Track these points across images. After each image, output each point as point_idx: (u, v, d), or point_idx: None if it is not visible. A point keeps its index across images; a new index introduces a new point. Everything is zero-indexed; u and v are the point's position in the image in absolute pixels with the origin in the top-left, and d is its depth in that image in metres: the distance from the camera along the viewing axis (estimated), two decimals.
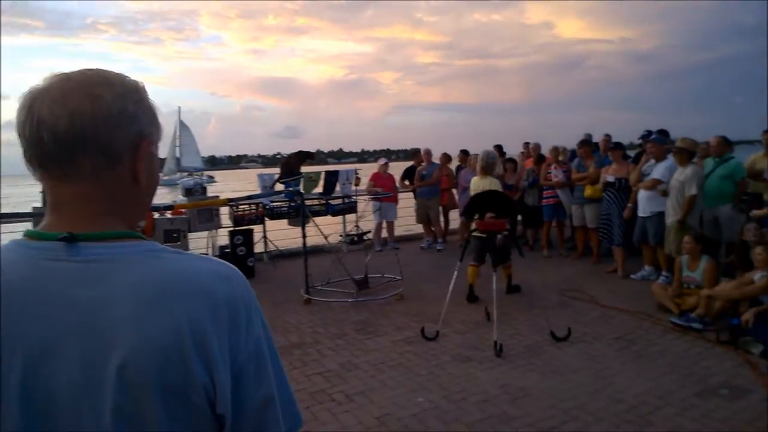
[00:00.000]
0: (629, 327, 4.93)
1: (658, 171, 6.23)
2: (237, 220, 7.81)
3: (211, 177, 54.29)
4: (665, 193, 6.03)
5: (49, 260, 0.73)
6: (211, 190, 8.99)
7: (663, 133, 7.17)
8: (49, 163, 0.75)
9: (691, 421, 3.20)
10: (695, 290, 5.14)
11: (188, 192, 7.74)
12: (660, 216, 6.13)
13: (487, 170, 5.94)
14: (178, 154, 62.18)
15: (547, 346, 4.53)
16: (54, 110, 0.73)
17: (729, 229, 6.11)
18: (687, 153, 5.90)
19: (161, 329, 0.71)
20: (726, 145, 6.39)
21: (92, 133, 0.74)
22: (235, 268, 0.82)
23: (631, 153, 7.97)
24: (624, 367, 4.06)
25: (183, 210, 7.24)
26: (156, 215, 7.00)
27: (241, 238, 7.61)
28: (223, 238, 8.01)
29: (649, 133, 7.30)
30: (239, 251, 7.45)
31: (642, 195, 6.38)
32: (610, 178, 6.90)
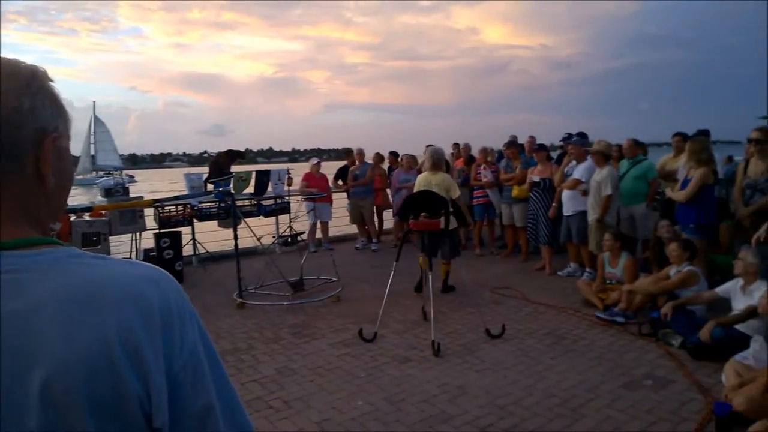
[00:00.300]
0: (558, 322, 5.13)
1: (578, 171, 6.53)
2: (163, 221, 7.46)
3: (131, 176, 51.81)
4: (585, 193, 6.32)
5: None
6: (132, 190, 8.53)
7: (582, 136, 7.52)
8: None
9: (619, 412, 3.36)
10: (617, 285, 5.42)
11: (108, 192, 7.29)
12: (582, 215, 6.42)
13: (437, 166, 5.96)
14: (92, 152, 58.88)
15: (483, 344, 4.63)
16: None
17: (644, 226, 6.51)
18: (602, 155, 6.21)
19: (88, 340, 0.64)
20: (637, 146, 6.76)
21: None
22: (165, 271, 0.77)
23: (554, 154, 8.31)
24: (555, 361, 4.21)
25: (103, 212, 6.83)
26: (72, 218, 6.56)
27: (168, 241, 7.27)
28: (148, 241, 7.63)
29: (570, 135, 7.64)
30: (166, 254, 7.12)
31: (565, 195, 6.66)
32: (536, 179, 7.17)
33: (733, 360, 3.51)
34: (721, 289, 4.37)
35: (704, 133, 6.51)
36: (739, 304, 4.08)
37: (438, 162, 5.98)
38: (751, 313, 3.78)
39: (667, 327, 4.46)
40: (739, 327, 3.90)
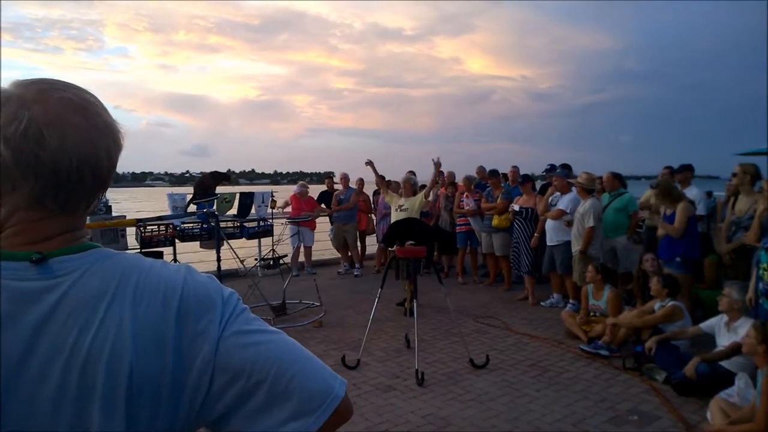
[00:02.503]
0: (542, 353, 5.09)
1: (563, 202, 6.58)
2: (145, 241, 7.32)
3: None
4: (570, 224, 6.36)
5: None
6: (114, 209, 8.37)
7: (566, 167, 7.60)
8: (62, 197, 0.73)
9: None
10: (601, 318, 5.42)
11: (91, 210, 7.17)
12: (567, 245, 6.45)
13: (414, 190, 6.78)
14: None
15: (467, 374, 4.57)
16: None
17: (625, 258, 6.55)
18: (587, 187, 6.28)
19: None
20: (616, 180, 6.84)
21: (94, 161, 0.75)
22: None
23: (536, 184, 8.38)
24: (540, 393, 4.16)
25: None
26: None
27: None
28: None
29: (553, 166, 7.71)
30: None
31: (549, 225, 6.69)
32: (516, 208, 7.21)
33: (719, 397, 3.51)
34: (705, 325, 4.39)
35: (688, 167, 6.62)
36: (723, 341, 4.09)
37: (414, 186, 6.85)
38: (735, 350, 3.79)
39: (651, 361, 4.45)
40: (724, 364, 3.91)
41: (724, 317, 4.17)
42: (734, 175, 5.41)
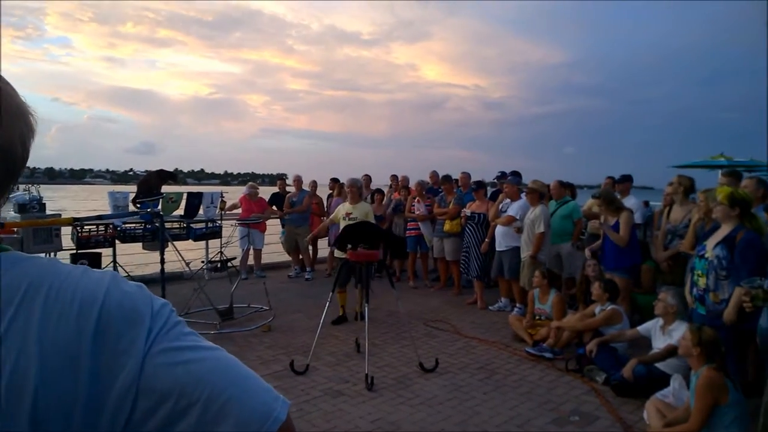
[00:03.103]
0: (490, 357, 5.19)
1: (513, 209, 6.74)
2: (81, 242, 7.01)
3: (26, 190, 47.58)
4: (519, 231, 6.52)
5: None
6: (49, 207, 7.98)
7: (516, 175, 7.80)
8: None
9: None
10: (546, 321, 5.58)
11: (22, 208, 6.78)
12: (515, 251, 6.61)
13: (360, 194, 6.43)
14: None
15: (416, 378, 4.60)
16: None
17: (570, 264, 6.79)
18: (537, 193, 6.46)
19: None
20: (563, 188, 7.09)
21: None
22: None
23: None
24: (487, 396, 4.24)
25: (15, 229, 6.33)
26: None
27: (86, 263, 6.82)
28: (64, 262, 7.13)
29: (504, 173, 7.90)
30: None
31: (499, 230, 6.84)
32: (468, 212, 7.34)
33: (654, 398, 3.67)
34: (642, 328, 4.59)
35: (628, 178, 6.91)
36: (658, 343, 4.28)
37: (358, 191, 6.43)
38: (670, 352, 3.98)
39: (592, 363, 4.61)
40: (659, 366, 4.09)
41: (660, 321, 4.37)
42: (670, 184, 5.69)
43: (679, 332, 4.00)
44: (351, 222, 5.85)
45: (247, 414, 0.66)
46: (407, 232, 8.39)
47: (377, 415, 3.87)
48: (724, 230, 3.81)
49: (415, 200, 8.29)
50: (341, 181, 9.15)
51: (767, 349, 2.70)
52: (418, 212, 8.15)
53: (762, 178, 5.26)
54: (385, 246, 5.28)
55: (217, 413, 0.64)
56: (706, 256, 3.85)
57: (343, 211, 6.29)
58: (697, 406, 3.07)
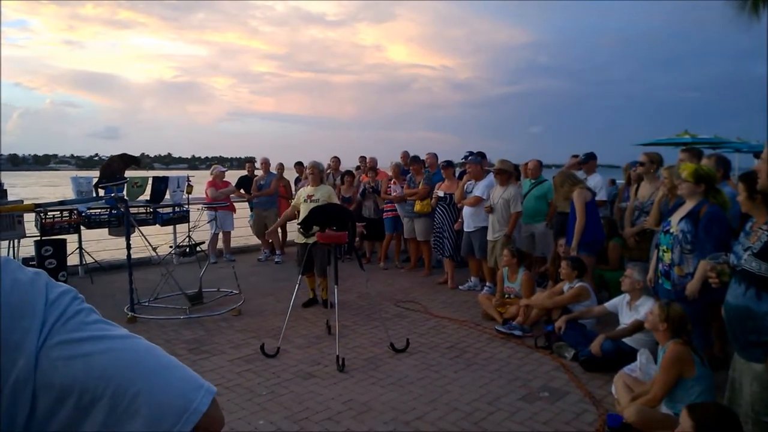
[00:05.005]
0: (460, 336, 5.22)
1: (478, 189, 6.74)
2: (45, 228, 6.80)
3: None
4: (491, 210, 6.53)
5: None
6: (11, 193, 7.71)
7: (480, 155, 7.79)
8: None
9: (519, 424, 3.44)
10: (515, 299, 5.63)
11: None
12: (483, 231, 6.63)
13: (321, 177, 6.21)
14: None
15: (387, 358, 4.60)
16: None
17: (542, 243, 6.86)
18: (506, 174, 6.48)
19: None
20: (541, 168, 7.17)
21: None
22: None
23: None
24: (458, 375, 4.26)
25: None
26: None
27: (51, 249, 6.64)
28: (28, 249, 6.92)
29: (470, 153, 7.89)
30: (48, 264, 6.49)
31: (467, 211, 6.85)
32: (441, 194, 7.33)
33: (622, 372, 3.73)
34: (609, 304, 4.66)
35: (592, 156, 6.97)
36: (625, 319, 4.36)
37: (321, 174, 6.22)
38: (637, 327, 4.05)
39: (560, 340, 4.67)
40: (627, 341, 4.17)
41: (627, 297, 4.44)
42: (640, 163, 5.74)
43: (645, 308, 4.08)
44: (314, 204, 5.70)
45: (159, 408, 0.62)
46: (384, 213, 8.35)
47: (349, 396, 3.86)
48: (688, 205, 3.87)
49: (391, 182, 8.24)
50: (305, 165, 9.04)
51: (733, 325, 2.75)
52: (394, 194, 8.09)
53: (723, 156, 5.36)
54: (351, 227, 5.20)
55: (126, 409, 0.60)
56: (671, 231, 3.91)
57: (305, 194, 6.05)
58: (662, 378, 3.13)
